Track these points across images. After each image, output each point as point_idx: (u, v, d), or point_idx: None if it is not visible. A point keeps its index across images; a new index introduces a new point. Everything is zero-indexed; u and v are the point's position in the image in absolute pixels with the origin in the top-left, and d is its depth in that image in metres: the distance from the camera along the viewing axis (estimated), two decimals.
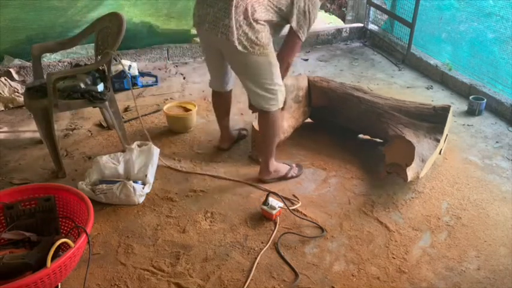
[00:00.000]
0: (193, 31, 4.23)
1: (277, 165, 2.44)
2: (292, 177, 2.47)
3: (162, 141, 2.78)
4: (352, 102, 2.68)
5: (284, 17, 2.09)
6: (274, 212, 2.10)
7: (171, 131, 2.91)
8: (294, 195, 2.30)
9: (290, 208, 2.17)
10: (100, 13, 3.24)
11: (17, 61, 3.56)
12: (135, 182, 2.24)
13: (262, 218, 2.14)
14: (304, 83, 2.73)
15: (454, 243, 2.01)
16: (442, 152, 2.56)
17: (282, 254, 1.92)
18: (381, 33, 4.70)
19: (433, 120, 2.50)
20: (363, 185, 2.40)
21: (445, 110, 2.51)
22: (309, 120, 3.07)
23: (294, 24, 2.08)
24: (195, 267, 1.86)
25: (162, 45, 4.11)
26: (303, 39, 2.14)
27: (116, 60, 2.68)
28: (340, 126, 2.85)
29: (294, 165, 2.52)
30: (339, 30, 4.82)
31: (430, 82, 3.79)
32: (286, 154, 2.67)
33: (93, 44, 2.70)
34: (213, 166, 2.56)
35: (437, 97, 3.50)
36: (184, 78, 3.81)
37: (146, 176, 2.28)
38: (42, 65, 2.72)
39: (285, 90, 2.27)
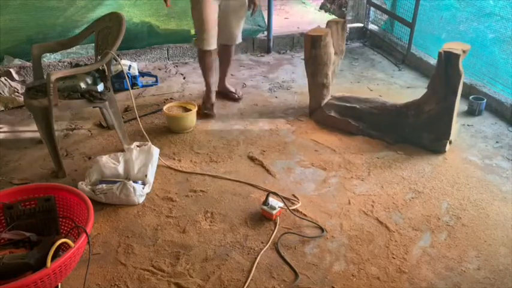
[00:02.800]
0: (193, 31, 4.23)
1: (206, 94, 3.16)
2: (203, 103, 3.11)
3: (162, 141, 2.78)
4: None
5: None
6: (274, 212, 2.10)
7: (171, 131, 2.91)
8: (294, 195, 2.30)
9: (290, 208, 2.17)
10: (100, 13, 3.24)
11: (17, 61, 3.56)
12: (135, 182, 2.24)
13: (262, 218, 2.14)
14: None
15: (454, 243, 2.01)
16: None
17: (282, 254, 1.92)
18: (381, 33, 4.70)
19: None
20: (363, 185, 2.40)
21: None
22: (308, 120, 3.07)
23: None
24: (195, 267, 1.86)
25: (162, 45, 4.11)
26: None
27: (116, 61, 2.68)
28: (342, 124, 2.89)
29: (213, 112, 3.09)
30: None
31: None
32: (286, 154, 2.68)
33: (93, 44, 2.71)
34: (213, 166, 2.56)
35: None
36: (184, 78, 3.81)
37: (146, 176, 2.28)
38: (42, 65, 2.72)
39: (201, 29, 2.81)
